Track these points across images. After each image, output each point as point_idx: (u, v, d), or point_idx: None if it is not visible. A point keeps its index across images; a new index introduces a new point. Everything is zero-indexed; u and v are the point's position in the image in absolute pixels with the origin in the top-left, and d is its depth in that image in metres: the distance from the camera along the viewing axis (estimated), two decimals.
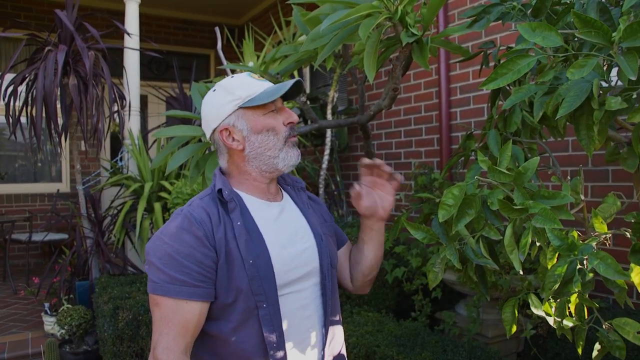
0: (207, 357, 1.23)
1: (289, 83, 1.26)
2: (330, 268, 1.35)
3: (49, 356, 3.41)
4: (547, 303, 1.15)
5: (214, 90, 1.30)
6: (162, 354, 1.13)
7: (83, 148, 5.82)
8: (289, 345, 1.22)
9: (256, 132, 1.26)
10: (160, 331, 1.15)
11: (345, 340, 2.45)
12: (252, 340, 1.19)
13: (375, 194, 1.40)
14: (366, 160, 1.39)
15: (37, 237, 5.82)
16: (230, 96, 1.26)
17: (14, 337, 3.91)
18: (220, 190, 1.24)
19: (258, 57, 4.36)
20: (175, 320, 1.15)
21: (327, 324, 1.31)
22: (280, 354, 1.20)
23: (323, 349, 1.30)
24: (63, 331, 3.63)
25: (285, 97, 1.30)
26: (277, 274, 1.21)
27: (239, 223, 1.21)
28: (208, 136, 1.33)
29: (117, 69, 4.57)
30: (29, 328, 4.09)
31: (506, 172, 1.12)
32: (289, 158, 1.29)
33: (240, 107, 1.26)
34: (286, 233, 1.29)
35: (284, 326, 1.22)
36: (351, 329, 2.62)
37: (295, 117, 1.30)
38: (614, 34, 0.99)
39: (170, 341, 1.14)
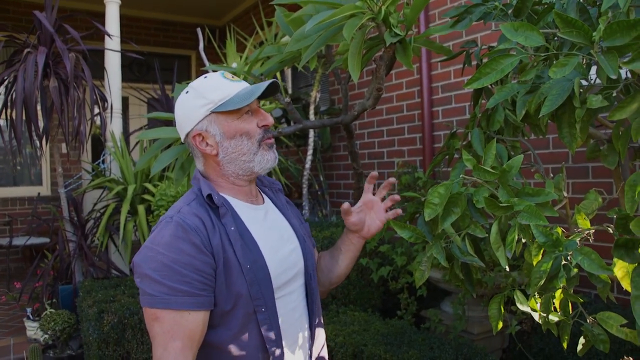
0: None
1: (263, 85, 1.21)
2: (313, 269, 1.35)
3: None
4: (532, 299, 1.17)
5: (187, 92, 1.25)
6: None
7: (64, 151, 5.76)
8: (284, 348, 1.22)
9: (229, 138, 1.22)
10: (165, 346, 1.09)
11: (332, 339, 2.45)
12: (251, 344, 1.17)
13: (367, 215, 1.39)
14: (375, 174, 1.38)
15: (18, 241, 5.73)
16: (202, 100, 1.20)
17: None
18: (209, 195, 1.20)
19: (241, 57, 4.35)
20: (180, 332, 1.09)
21: (312, 324, 1.32)
22: (279, 357, 1.20)
23: (310, 349, 1.31)
24: (46, 336, 3.58)
25: (261, 96, 1.25)
26: (271, 277, 1.20)
27: (232, 228, 1.18)
28: (182, 139, 1.28)
29: (98, 70, 4.53)
30: (11, 334, 4.03)
31: (491, 170, 1.13)
32: (265, 162, 1.26)
33: (213, 112, 1.21)
34: (274, 236, 1.28)
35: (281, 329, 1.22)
36: (338, 328, 2.63)
37: (270, 120, 1.26)
38: (594, 34, 1.01)
39: (178, 354, 1.09)
